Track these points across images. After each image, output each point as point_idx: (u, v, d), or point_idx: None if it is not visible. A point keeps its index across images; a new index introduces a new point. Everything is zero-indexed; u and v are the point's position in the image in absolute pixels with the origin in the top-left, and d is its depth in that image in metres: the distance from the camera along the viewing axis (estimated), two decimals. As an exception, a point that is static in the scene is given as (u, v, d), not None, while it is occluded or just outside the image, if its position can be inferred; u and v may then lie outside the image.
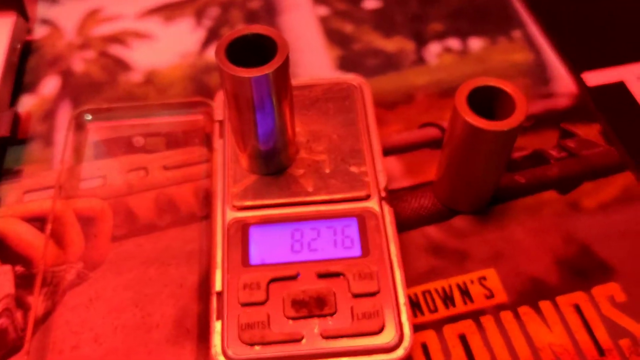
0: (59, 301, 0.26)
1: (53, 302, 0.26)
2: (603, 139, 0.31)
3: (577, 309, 0.26)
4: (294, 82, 0.30)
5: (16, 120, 0.32)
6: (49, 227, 0.28)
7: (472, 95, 0.24)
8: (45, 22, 0.37)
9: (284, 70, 0.23)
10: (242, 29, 0.23)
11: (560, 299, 0.26)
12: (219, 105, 0.29)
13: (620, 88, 0.34)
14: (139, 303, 0.26)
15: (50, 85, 0.34)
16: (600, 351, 0.25)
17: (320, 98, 0.30)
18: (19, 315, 0.26)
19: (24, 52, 0.35)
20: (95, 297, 0.26)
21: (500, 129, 0.23)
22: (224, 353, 0.23)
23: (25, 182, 0.30)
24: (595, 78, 0.34)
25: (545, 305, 0.26)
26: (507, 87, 0.24)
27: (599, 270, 0.27)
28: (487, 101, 0.25)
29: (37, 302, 0.26)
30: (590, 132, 0.32)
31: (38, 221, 0.29)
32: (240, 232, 0.26)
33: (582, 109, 0.33)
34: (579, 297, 0.26)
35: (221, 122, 0.29)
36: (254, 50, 0.23)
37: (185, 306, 0.26)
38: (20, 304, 0.26)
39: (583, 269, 0.27)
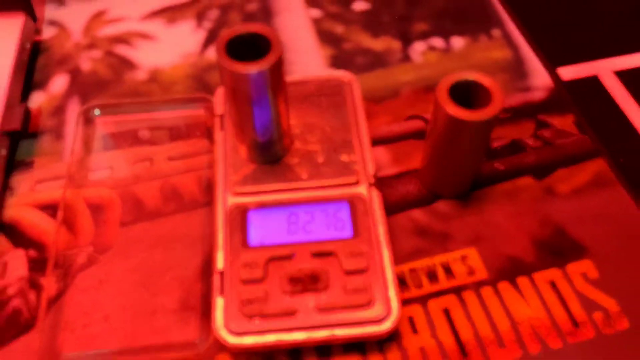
0: (70, 283, 0.27)
1: (65, 284, 0.27)
2: (577, 129, 0.32)
3: (553, 285, 0.27)
4: (290, 78, 0.31)
5: (27, 115, 0.32)
6: (60, 214, 0.28)
7: (453, 89, 0.25)
8: (53, 23, 0.38)
9: (278, 65, 0.24)
10: (239, 27, 0.24)
11: (536, 276, 0.27)
12: (219, 100, 0.30)
13: (593, 81, 0.35)
14: (146, 284, 0.27)
15: (59, 82, 0.35)
16: (575, 324, 0.26)
17: (313, 93, 0.31)
18: (32, 296, 0.26)
19: (34, 51, 0.36)
20: (104, 279, 0.27)
21: (478, 119, 0.24)
22: (226, 326, 0.24)
23: (37, 172, 0.31)
24: (570, 72, 0.35)
25: (522, 281, 0.27)
26: (485, 80, 0.25)
27: (573, 249, 0.28)
28: (466, 94, 0.25)
29: (49, 283, 0.27)
30: (564, 122, 0.33)
31: (50, 209, 0.29)
32: (240, 216, 0.27)
33: (557, 101, 0.33)
34: (554, 273, 0.27)
35: (222, 116, 0.30)
36: (251, 47, 0.24)
37: (189, 287, 0.27)
38: (34, 285, 0.27)
39: (558, 248, 0.28)
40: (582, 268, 0.27)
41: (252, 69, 0.23)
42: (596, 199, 0.30)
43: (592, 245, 0.28)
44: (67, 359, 0.25)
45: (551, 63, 0.36)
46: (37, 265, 0.28)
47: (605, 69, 0.36)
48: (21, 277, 0.27)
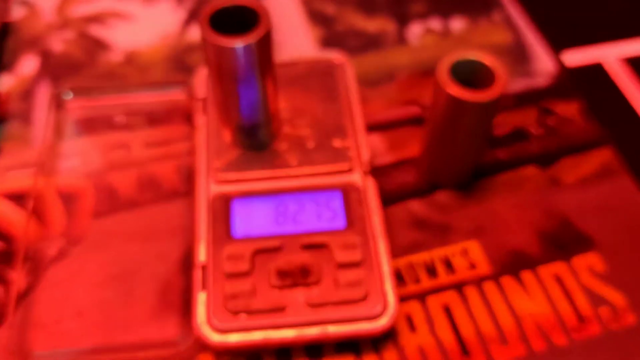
0: (40, 277, 0.26)
1: (35, 278, 0.26)
2: (581, 117, 0.32)
3: (558, 278, 0.26)
4: (278, 60, 0.29)
5: (-5, 99, 0.31)
6: (30, 203, 0.27)
7: (453, 70, 0.24)
8: (24, 3, 0.37)
9: (266, 40, 0.23)
10: (225, 0, 0.23)
11: (541, 269, 0.26)
12: (200, 82, 0.29)
13: (597, 68, 0.34)
14: (122, 278, 0.26)
15: (29, 65, 0.34)
16: (580, 319, 0.25)
17: (303, 75, 0.30)
18: (0, 291, 0.25)
19: (2, 33, 0.35)
20: (77, 272, 0.26)
21: (481, 100, 0.23)
22: (209, 323, 0.23)
23: (5, 160, 0.30)
24: (573, 57, 0.34)
25: (526, 275, 0.26)
26: (487, 60, 0.24)
27: (578, 241, 0.27)
28: (468, 76, 0.25)
29: (19, 277, 0.26)
30: (568, 109, 0.32)
31: (19, 198, 0.28)
32: (224, 206, 0.26)
33: (560, 88, 0.33)
34: (559, 267, 0.27)
35: (204, 100, 0.29)
36: (237, 23, 0.23)
37: (167, 281, 0.26)
38: (2, 280, 0.26)
39: (563, 241, 0.27)
40: (588, 261, 0.27)
41: (238, 42, 0.22)
42: (603, 190, 0.29)
43: (598, 237, 0.28)
44: (38, 357, 0.24)
45: (554, 48, 0.35)
46: (6, 259, 0.27)
47: (611, 55, 0.35)
48: (-13, 272, 0.26)
